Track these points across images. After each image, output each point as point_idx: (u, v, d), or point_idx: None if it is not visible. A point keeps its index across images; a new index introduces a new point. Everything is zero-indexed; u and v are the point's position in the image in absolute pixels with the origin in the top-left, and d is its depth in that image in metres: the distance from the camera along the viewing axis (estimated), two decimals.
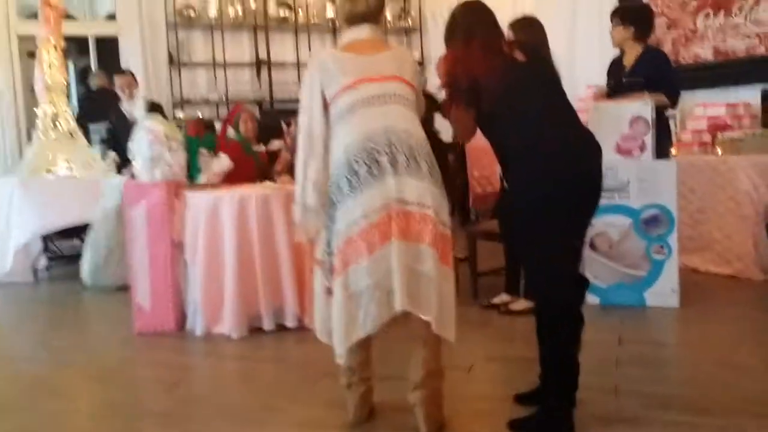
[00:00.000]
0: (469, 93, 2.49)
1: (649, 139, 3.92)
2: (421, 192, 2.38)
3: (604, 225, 3.94)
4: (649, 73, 4.13)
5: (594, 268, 4.03)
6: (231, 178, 4.38)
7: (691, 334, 3.63)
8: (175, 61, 8.00)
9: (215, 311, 3.87)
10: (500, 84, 2.45)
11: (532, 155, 2.41)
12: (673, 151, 4.54)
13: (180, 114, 7.76)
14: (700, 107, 5.40)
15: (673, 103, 4.21)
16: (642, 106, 3.92)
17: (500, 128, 2.51)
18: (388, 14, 8.73)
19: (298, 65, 8.33)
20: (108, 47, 7.96)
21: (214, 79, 8.17)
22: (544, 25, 3.82)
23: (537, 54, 2.65)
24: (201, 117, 7.44)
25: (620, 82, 4.27)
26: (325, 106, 2.49)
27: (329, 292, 2.46)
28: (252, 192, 3.92)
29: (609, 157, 3.81)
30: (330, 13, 8.43)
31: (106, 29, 8.08)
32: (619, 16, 4.29)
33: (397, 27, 8.88)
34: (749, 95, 5.32)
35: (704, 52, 5.80)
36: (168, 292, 4.01)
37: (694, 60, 5.88)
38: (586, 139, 2.52)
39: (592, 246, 4.00)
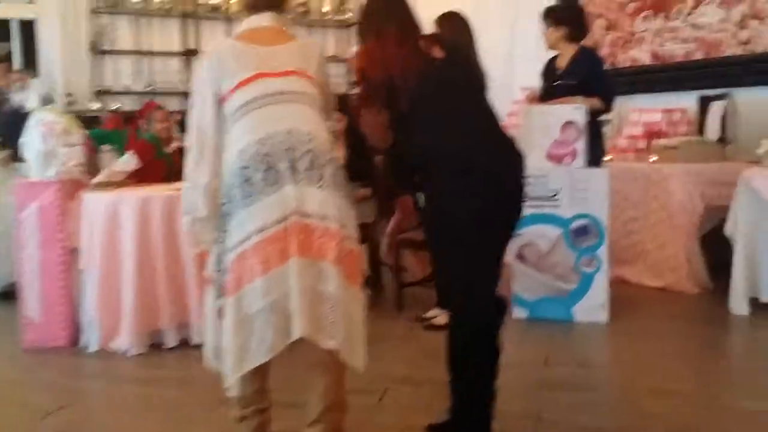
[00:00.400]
0: (384, 92, 2.24)
1: (580, 146, 3.73)
2: (324, 203, 2.12)
3: (533, 235, 3.74)
4: (582, 75, 3.95)
5: (522, 280, 3.83)
6: (138, 180, 4.04)
7: (620, 353, 3.46)
8: (97, 49, 7.54)
9: (112, 325, 3.54)
10: (415, 83, 2.21)
11: (455, 165, 2.19)
12: (606, 157, 4.36)
13: (95, 105, 7.32)
14: (636, 112, 5.26)
15: (608, 107, 4.03)
16: (574, 110, 3.73)
17: (416, 132, 2.27)
18: (326, 6, 8.45)
19: None
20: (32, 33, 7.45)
21: (139, 69, 7.73)
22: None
23: (456, 50, 2.41)
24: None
25: (553, 84, 4.08)
26: (219, 103, 2.20)
27: (220, 313, 2.18)
28: (155, 193, 3.59)
29: (540, 164, 3.66)
30: None
31: (25, 13, 7.54)
32: (551, 16, 4.11)
33: (334, 21, 8.57)
34: (686, 101, 5.20)
35: (642, 55, 5.67)
36: (60, 303, 3.65)
37: (632, 64, 5.74)
38: (509, 146, 2.31)
39: (521, 257, 3.79)
